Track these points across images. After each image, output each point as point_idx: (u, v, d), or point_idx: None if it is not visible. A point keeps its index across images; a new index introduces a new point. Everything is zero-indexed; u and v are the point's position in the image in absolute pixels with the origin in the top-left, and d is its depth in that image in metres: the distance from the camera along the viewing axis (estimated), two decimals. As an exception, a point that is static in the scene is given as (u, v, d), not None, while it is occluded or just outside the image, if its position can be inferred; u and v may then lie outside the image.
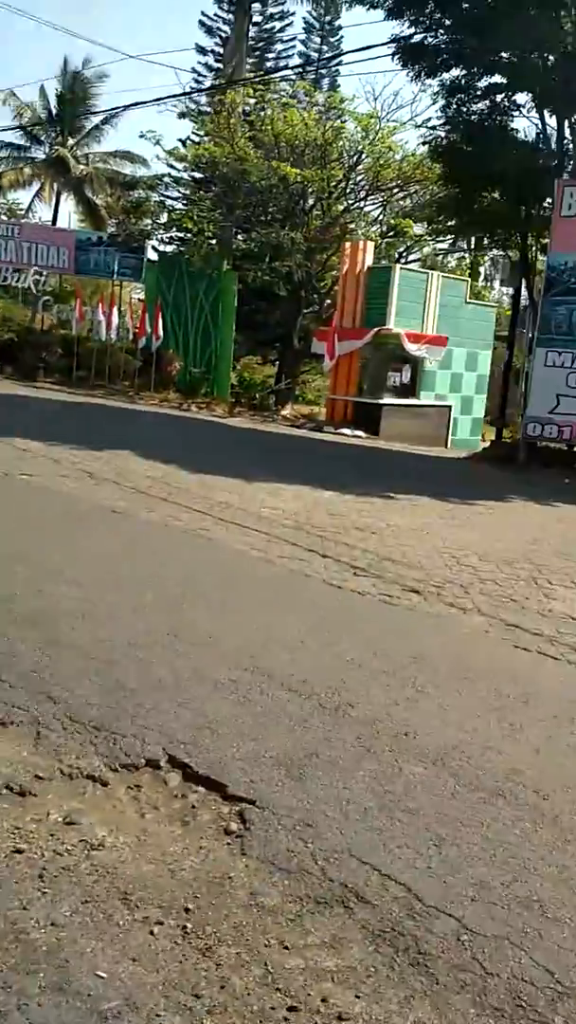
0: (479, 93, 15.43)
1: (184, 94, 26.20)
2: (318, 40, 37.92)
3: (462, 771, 3.26)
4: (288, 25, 36.73)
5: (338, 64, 34.48)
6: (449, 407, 20.39)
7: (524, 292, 17.74)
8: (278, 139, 22.17)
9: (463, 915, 2.42)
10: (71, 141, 37.33)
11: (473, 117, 15.56)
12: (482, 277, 30.41)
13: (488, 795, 3.09)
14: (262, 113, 23.68)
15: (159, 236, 26.84)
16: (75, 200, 37.15)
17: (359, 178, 23.61)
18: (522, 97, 15.31)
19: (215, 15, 34.29)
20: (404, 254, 25.55)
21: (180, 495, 8.38)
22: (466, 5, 14.23)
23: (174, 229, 26.08)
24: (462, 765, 3.31)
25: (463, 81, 15.29)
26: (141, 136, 34.79)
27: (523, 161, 14.21)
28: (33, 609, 4.63)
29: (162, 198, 25.79)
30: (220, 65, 31.66)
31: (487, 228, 18.14)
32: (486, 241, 21.82)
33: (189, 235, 24.05)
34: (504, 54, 14.46)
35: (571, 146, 14.89)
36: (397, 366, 19.16)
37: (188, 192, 25.49)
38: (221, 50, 32.60)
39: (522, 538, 7.89)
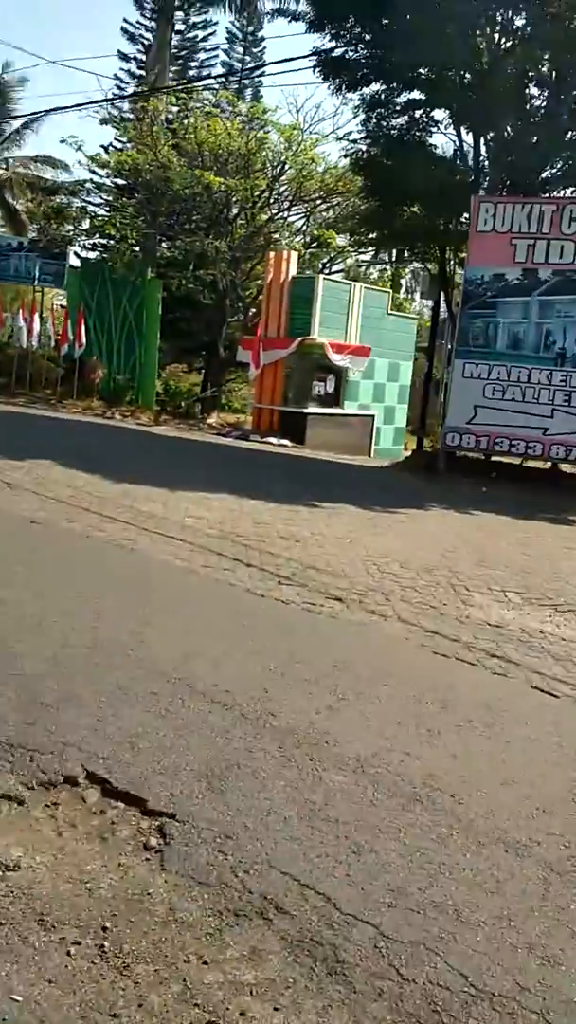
0: (399, 108, 15.74)
1: (106, 100, 26.00)
2: (241, 50, 38.12)
3: (381, 778, 3.30)
4: (211, 34, 37.03)
5: (261, 75, 34.78)
6: (372, 416, 20.68)
7: (443, 304, 18.15)
8: (201, 148, 22.19)
9: (380, 922, 2.45)
10: (-10, 145, 36.53)
11: (393, 132, 15.86)
12: (403, 289, 30.99)
13: (406, 801, 3.14)
14: (185, 121, 23.68)
15: (81, 242, 26.57)
16: (-6, 205, 36.35)
17: (282, 188, 23.82)
18: (440, 113, 15.72)
19: (137, 22, 34.14)
20: (328, 265, 25.87)
21: (103, 505, 8.28)
22: (386, 21, 14.48)
23: (97, 235, 25.82)
24: (381, 772, 3.35)
25: (383, 96, 15.56)
26: (62, 141, 34.42)
27: (441, 176, 14.54)
28: (-53, 624, 4.51)
29: (84, 204, 25.52)
30: (143, 72, 31.51)
31: (407, 241, 18.50)
32: (406, 254, 22.28)
33: (112, 242, 23.85)
34: (422, 70, 14.78)
35: (487, 163, 15.30)
36: (322, 376, 19.34)
37: (111, 199, 25.25)
38: (144, 57, 32.45)
39: (442, 546, 8.05)
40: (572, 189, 15.33)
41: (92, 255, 26.63)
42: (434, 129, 15.87)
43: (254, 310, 23.70)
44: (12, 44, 43.13)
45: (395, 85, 15.37)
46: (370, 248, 23.91)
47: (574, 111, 14.32)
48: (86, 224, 25.48)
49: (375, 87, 15.50)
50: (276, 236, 24.66)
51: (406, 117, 15.78)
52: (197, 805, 2.97)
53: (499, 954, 2.36)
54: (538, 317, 12.84)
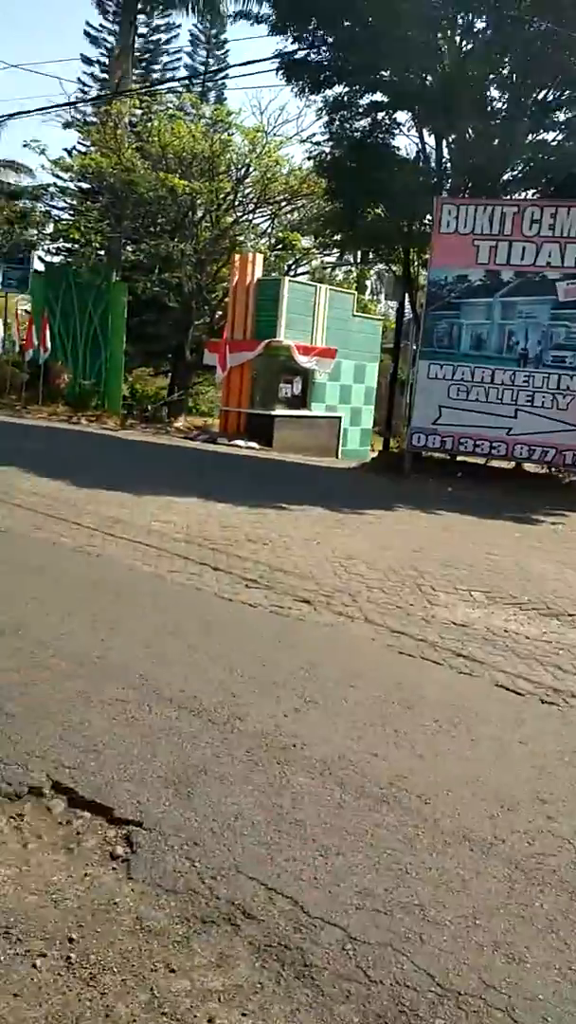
0: (361, 110, 15.80)
1: (69, 104, 25.85)
2: (204, 53, 37.98)
3: (348, 780, 3.32)
4: (174, 37, 36.83)
5: (224, 77, 34.68)
6: (339, 418, 20.73)
7: (408, 306, 18.26)
8: (165, 150, 22.12)
9: (348, 924, 2.46)
10: (-49, 148, 36.17)
11: (356, 134, 15.92)
12: (368, 291, 31.13)
13: (373, 803, 3.16)
14: (149, 124, 23.59)
15: (45, 247, 26.36)
16: (-44, 208, 35.95)
17: (247, 191, 23.82)
18: (403, 115, 15.79)
19: (100, 25, 33.88)
20: (293, 267, 25.90)
21: (69, 511, 8.21)
22: (348, 23, 14.54)
23: (61, 240, 25.63)
24: (348, 774, 3.36)
25: (346, 98, 15.61)
26: (25, 145, 34.07)
27: (404, 178, 14.61)
28: None
29: (48, 208, 25.31)
30: (106, 75, 31.32)
31: (371, 243, 18.57)
32: (371, 255, 22.35)
33: (76, 246, 23.68)
34: (384, 73, 14.85)
35: (449, 165, 15.41)
36: (288, 378, 19.36)
37: (75, 203, 25.08)
38: (107, 60, 32.25)
39: (408, 546, 8.09)
40: (533, 191, 15.49)
41: (56, 259, 26.48)
42: (397, 131, 15.97)
43: (220, 313, 23.66)
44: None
45: (358, 87, 15.43)
46: (335, 250, 23.99)
47: (534, 114, 14.48)
48: (50, 228, 25.32)
49: (338, 89, 15.56)
50: (241, 238, 24.66)
51: (369, 119, 15.85)
52: (164, 812, 2.96)
53: (465, 953, 2.38)
54: (501, 318, 12.97)
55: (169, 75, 34.93)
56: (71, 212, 24.99)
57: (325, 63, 15.30)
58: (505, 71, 14.45)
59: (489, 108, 14.69)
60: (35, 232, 25.08)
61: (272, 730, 3.71)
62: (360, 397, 21.44)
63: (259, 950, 2.35)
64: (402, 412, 17.61)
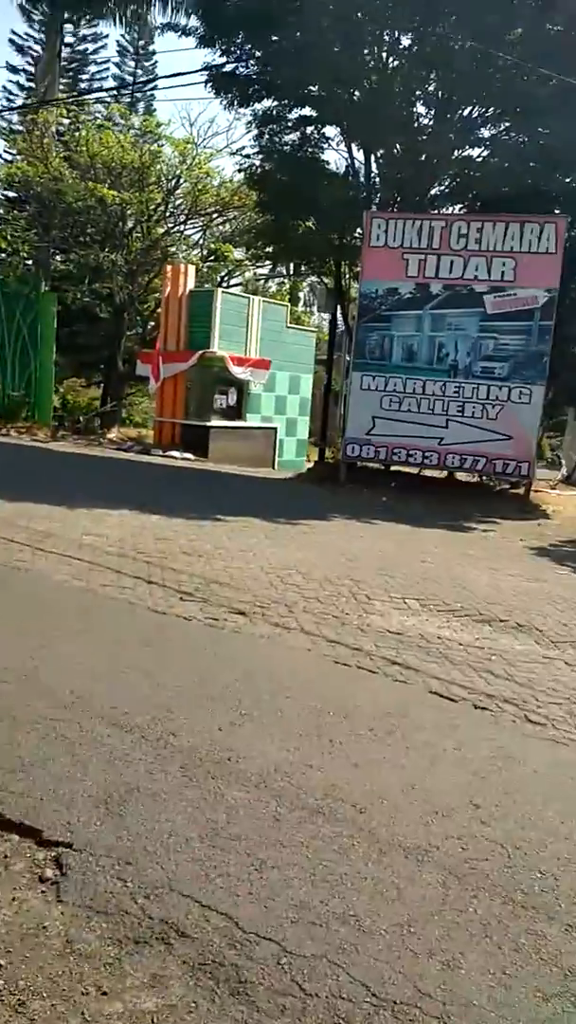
0: (291, 124, 15.92)
1: (-6, 111, 25.39)
2: (132, 64, 37.90)
3: (284, 792, 3.29)
4: (102, 47, 36.72)
5: (153, 88, 34.71)
6: (275, 429, 20.78)
7: (340, 318, 18.43)
8: (94, 160, 21.95)
9: (283, 938, 2.44)
10: None
11: (286, 147, 16.04)
12: (301, 302, 31.34)
13: (308, 814, 3.14)
14: (77, 134, 23.38)
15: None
16: None
17: (178, 202, 23.79)
18: (331, 130, 15.97)
19: (26, 34, 33.56)
20: (226, 278, 25.93)
21: (-3, 525, 8.03)
22: (275, 38, 14.65)
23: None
24: (284, 786, 3.34)
25: (275, 111, 15.72)
26: (-52, 152, 33.31)
27: (334, 192, 14.77)
28: None
29: (-28, 217, 24.82)
30: (32, 84, 30.94)
31: (303, 255, 18.70)
32: (303, 268, 22.51)
33: (3, 255, 23.27)
34: (312, 87, 15.00)
35: (378, 179, 15.63)
36: (223, 389, 19.33)
37: (1, 211, 24.65)
38: (33, 69, 31.88)
39: (343, 556, 8.13)
40: (460, 206, 15.82)
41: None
42: (326, 145, 16.15)
43: (153, 323, 23.54)
44: None
45: (286, 101, 15.55)
46: (267, 262, 24.09)
47: (460, 130, 14.80)
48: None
49: (267, 103, 15.65)
50: (173, 249, 24.60)
51: (298, 133, 15.99)
52: (95, 832, 2.90)
53: (400, 962, 2.38)
54: (431, 330, 13.20)
55: (97, 85, 34.78)
56: (-3, 221, 24.56)
57: (253, 76, 15.38)
58: (431, 88, 14.73)
59: (416, 124, 14.95)
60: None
61: (207, 744, 3.67)
62: (295, 408, 21.54)
63: (193, 968, 2.31)
64: (337, 423, 17.76)
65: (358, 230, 14.56)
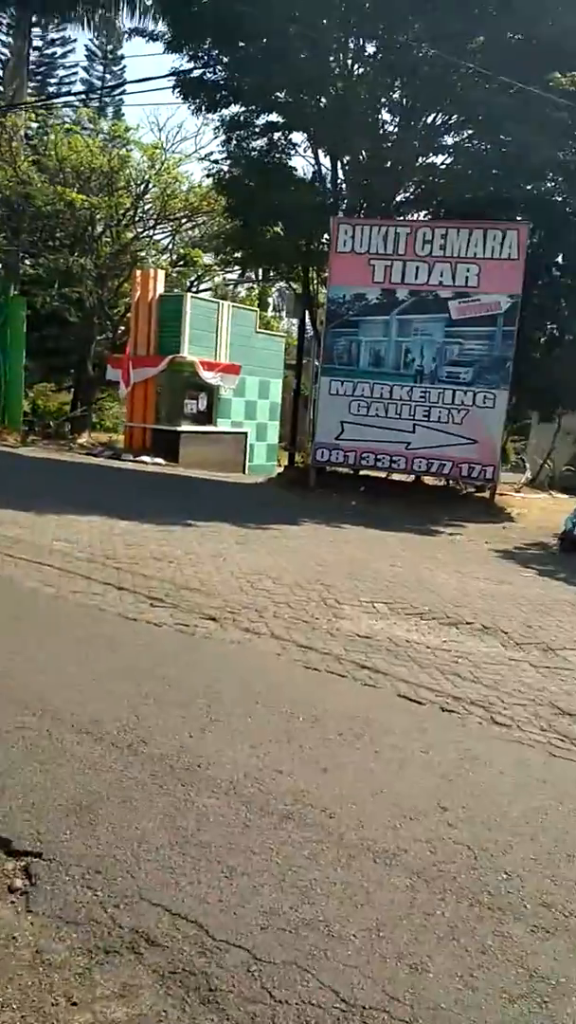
0: (258, 130, 15.96)
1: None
2: (101, 68, 37.79)
3: (253, 798, 3.31)
4: (70, 51, 36.55)
5: (122, 93, 34.69)
6: (245, 434, 20.78)
7: (308, 323, 18.49)
8: (63, 164, 21.84)
9: (253, 945, 2.45)
10: None
11: (253, 153, 16.08)
12: (271, 308, 31.40)
13: (278, 820, 3.16)
14: (45, 138, 23.25)
15: None
16: None
17: (147, 207, 23.72)
18: (298, 136, 16.07)
19: (-8, 37, 33.28)
20: (195, 283, 25.90)
21: (-36, 533, 7.96)
22: (242, 44, 14.70)
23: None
24: (253, 792, 3.36)
25: (242, 117, 15.76)
26: None
27: (302, 198, 14.82)
28: None
29: None
30: (0, 88, 30.70)
31: (271, 261, 18.75)
32: (272, 273, 22.55)
33: (-29, 259, 23.08)
34: (279, 94, 15.05)
35: (344, 185, 15.72)
36: (193, 393, 19.31)
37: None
38: (0, 73, 31.62)
39: (313, 560, 8.17)
40: (425, 212, 15.96)
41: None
42: (293, 151, 16.23)
43: (123, 328, 23.42)
44: None
45: (254, 107, 15.59)
46: (236, 267, 24.12)
47: (424, 137, 14.94)
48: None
49: (234, 108, 15.70)
50: (143, 254, 24.52)
51: (266, 139, 16.03)
52: (65, 842, 2.90)
53: (369, 966, 2.40)
54: (397, 335, 13.30)
55: (66, 89, 34.62)
56: (-35, 225, 24.32)
57: (221, 82, 15.41)
58: (396, 95, 14.86)
59: (381, 130, 15.08)
60: None
61: (177, 751, 3.67)
62: (265, 413, 21.57)
63: (163, 977, 2.32)
64: (306, 428, 17.80)
65: (325, 236, 14.64)
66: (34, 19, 27.63)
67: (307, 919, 2.59)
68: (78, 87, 35.69)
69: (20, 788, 3.22)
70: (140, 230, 24.16)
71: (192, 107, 15.76)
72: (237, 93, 15.27)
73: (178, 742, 3.77)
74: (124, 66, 37.83)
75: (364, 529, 10.58)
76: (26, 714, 3.91)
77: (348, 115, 13.90)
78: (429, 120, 14.96)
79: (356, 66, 14.79)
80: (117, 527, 8.99)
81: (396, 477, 14.78)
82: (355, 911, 2.65)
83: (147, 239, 24.68)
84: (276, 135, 15.89)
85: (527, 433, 23.74)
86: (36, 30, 30.20)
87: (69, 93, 33.35)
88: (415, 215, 15.91)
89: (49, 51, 34.89)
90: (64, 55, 35.36)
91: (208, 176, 18.55)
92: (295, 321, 24.49)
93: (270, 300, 31.27)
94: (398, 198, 15.49)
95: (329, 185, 15.73)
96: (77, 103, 27.73)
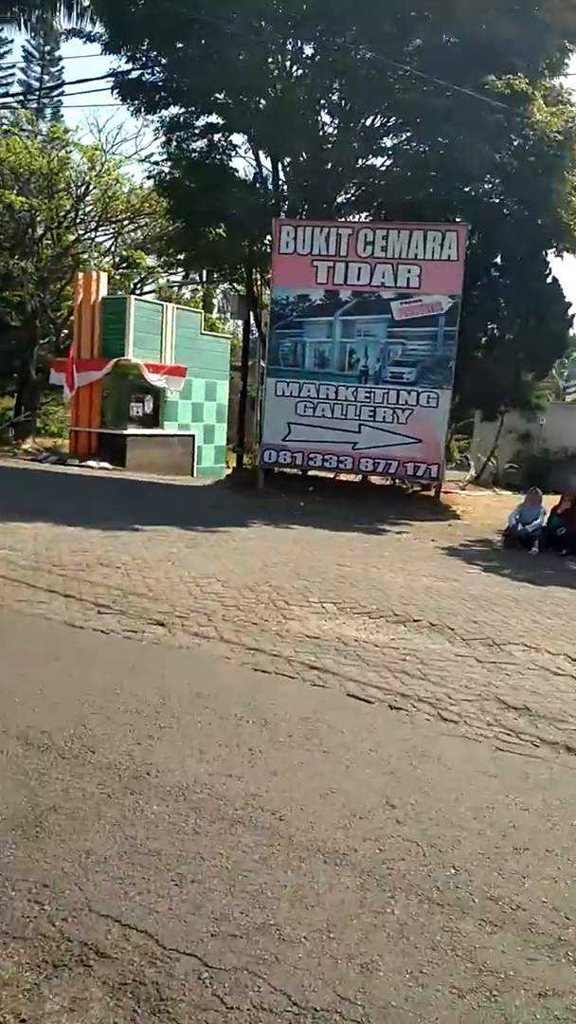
0: (198, 131, 15.93)
1: None
2: (39, 69, 37.22)
3: (204, 804, 3.30)
4: (7, 52, 35.85)
5: (60, 94, 34.03)
6: (193, 436, 20.72)
7: (253, 324, 18.50)
8: (1, 166, 21.49)
9: (204, 952, 2.44)
10: None
11: (194, 154, 16.03)
12: (216, 309, 31.31)
13: (229, 825, 3.15)
14: (-19, 139, 22.87)
15: None
16: None
17: (88, 209, 23.51)
18: (239, 138, 16.06)
19: None
20: (139, 285, 25.73)
21: None
22: (180, 45, 14.65)
23: None
24: (204, 798, 3.35)
25: (182, 119, 15.71)
26: None
27: (244, 199, 14.83)
28: None
29: None
30: None
31: (214, 262, 18.71)
32: (215, 275, 22.48)
33: None
34: (219, 95, 15.04)
35: (286, 187, 15.76)
36: (139, 396, 19.18)
37: None
38: None
39: (262, 562, 8.17)
40: (366, 214, 16.09)
41: None
42: (234, 153, 16.23)
43: (66, 331, 23.17)
44: None
45: (193, 108, 15.55)
46: (179, 269, 24.01)
47: (363, 139, 15.05)
48: None
49: (174, 110, 15.65)
50: (85, 256, 24.28)
51: (206, 140, 16.01)
52: (10, 856, 2.85)
53: (320, 968, 2.41)
54: (341, 336, 13.40)
55: (2, 90, 34.01)
56: None
57: (160, 83, 15.34)
58: (334, 97, 14.97)
59: (321, 132, 15.16)
60: None
61: (125, 760, 3.64)
62: (212, 415, 21.52)
63: (113, 989, 2.29)
64: (254, 429, 17.81)
65: (268, 237, 14.67)
66: (-32, 19, 27.09)
67: (258, 923, 2.58)
68: (15, 88, 35.13)
69: (-36, 803, 3.16)
70: (82, 232, 23.93)
71: (131, 108, 15.65)
72: (176, 94, 15.21)
73: (126, 750, 3.74)
74: (62, 67, 37.30)
75: (312, 529, 10.62)
76: (-30, 727, 3.84)
77: (287, 117, 13.95)
78: (368, 122, 15.09)
79: (295, 68, 14.85)
80: (63, 533, 8.88)
81: (344, 477, 14.88)
82: (305, 913, 2.65)
83: (89, 241, 24.47)
84: (216, 136, 15.88)
85: (471, 431, 24.10)
86: (-30, 30, 29.55)
87: (6, 94, 32.80)
88: (356, 216, 16.05)
89: (-16, 52, 34.27)
90: (1, 56, 34.75)
91: (149, 178, 18.51)
92: (240, 323, 24.46)
93: (215, 302, 31.20)
94: (339, 199, 15.59)
95: (271, 187, 15.77)
96: (14, 104, 27.27)
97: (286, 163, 15.52)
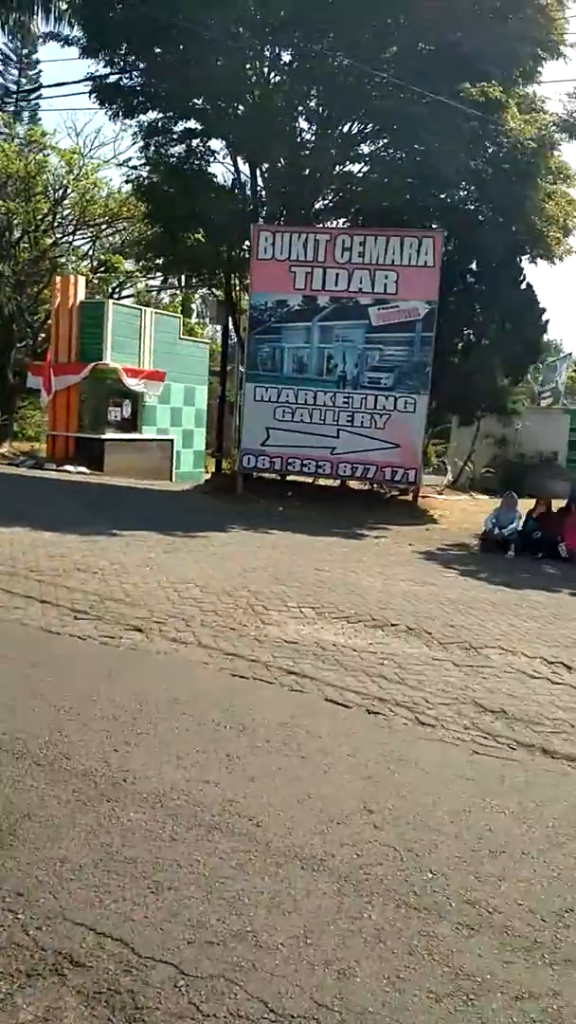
0: (176, 136, 15.93)
1: None
2: (16, 72, 37.01)
3: (180, 811, 3.28)
4: (-16, 55, 35.57)
5: (38, 97, 33.86)
6: (171, 441, 20.67)
7: (232, 329, 18.51)
8: (-23, 169, 21.40)
9: (180, 960, 2.43)
10: None
11: (172, 159, 16.02)
12: (195, 314, 31.30)
13: (205, 831, 3.14)
14: (-42, 142, 22.74)
15: None
16: None
17: (66, 212, 23.43)
18: (217, 143, 16.06)
19: None
20: (117, 289, 25.66)
21: None
22: (159, 50, 14.64)
23: None
24: (180, 804, 3.33)
25: (160, 124, 15.70)
26: None
27: (222, 205, 14.84)
28: None
29: None
30: None
31: (193, 267, 18.72)
32: (194, 280, 22.47)
33: None
34: (197, 100, 15.05)
35: (264, 192, 15.79)
36: (117, 401, 19.10)
37: None
38: None
39: (240, 567, 8.15)
40: (343, 220, 16.15)
41: None
42: (212, 158, 16.24)
43: (43, 335, 23.04)
44: None
45: (171, 113, 15.55)
46: (158, 273, 23.97)
47: (341, 146, 15.12)
48: None
49: (152, 114, 15.64)
50: (63, 260, 24.18)
51: (184, 145, 16.00)
52: (-16, 865, 2.82)
53: (297, 975, 2.40)
54: (320, 342, 13.43)
55: (-22, 92, 33.75)
56: None
57: (138, 88, 15.32)
58: (312, 103, 15.01)
59: (299, 139, 15.22)
60: None
61: (102, 767, 3.61)
62: (191, 419, 21.48)
63: (88, 998, 2.27)
64: (233, 434, 17.81)
65: (246, 242, 14.69)
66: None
67: (234, 930, 2.57)
68: (-8, 90, 34.86)
69: None
70: (59, 236, 23.85)
71: (109, 112, 15.63)
72: (154, 99, 15.20)
73: (103, 757, 3.71)
74: (40, 70, 37.14)
75: (291, 534, 10.62)
76: (-56, 735, 3.80)
77: (265, 122, 13.98)
78: (346, 129, 15.16)
79: (273, 74, 14.90)
80: (40, 539, 8.82)
81: (322, 482, 14.90)
82: (283, 919, 2.64)
83: (67, 245, 24.37)
84: (195, 142, 15.88)
85: (448, 436, 24.23)
86: (-53, 33, 29.38)
87: (-18, 97, 32.55)
88: (334, 222, 16.11)
89: (-39, 55, 34.02)
90: (-24, 58, 34.51)
91: (127, 182, 18.40)
92: (219, 327, 24.45)
93: (193, 307, 31.18)
94: (317, 205, 15.66)
95: (249, 192, 15.79)
96: (-9, 107, 27.13)
97: (264, 169, 15.55)
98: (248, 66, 14.43)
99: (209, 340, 26.13)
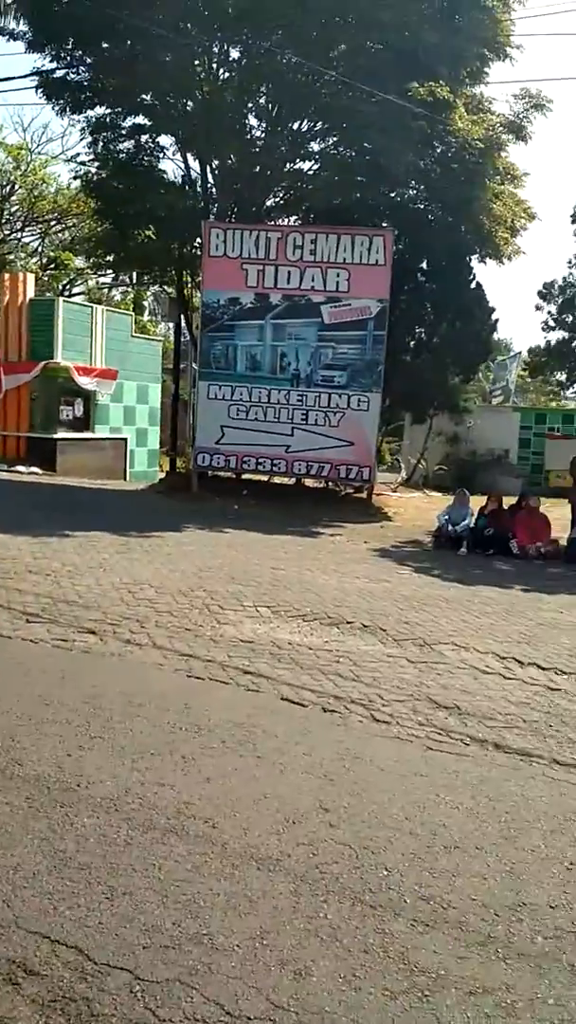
0: (125, 132, 15.80)
1: None
2: (-40, 64, 36.37)
3: (135, 814, 3.26)
4: None
5: (-17, 91, 33.32)
6: (125, 440, 20.51)
7: (185, 327, 18.42)
8: None
9: (136, 966, 2.41)
10: None
11: (121, 155, 15.89)
12: (147, 312, 31.07)
13: (160, 834, 3.12)
14: None
15: None
16: None
17: (14, 209, 23.11)
18: (166, 139, 15.97)
19: None
20: (68, 287, 25.36)
21: None
22: (106, 45, 14.50)
23: None
24: (135, 808, 3.31)
25: (108, 119, 15.56)
26: None
27: (173, 201, 14.75)
28: None
29: None
30: None
31: (144, 265, 18.59)
32: (145, 277, 22.31)
33: None
34: (145, 96, 14.93)
35: (215, 189, 15.73)
36: (69, 400, 18.90)
37: None
38: None
39: (196, 566, 8.12)
40: (295, 217, 16.17)
41: None
42: (162, 155, 16.14)
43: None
44: None
45: (119, 109, 15.42)
46: (109, 271, 23.76)
47: (291, 143, 15.13)
48: None
49: (100, 110, 15.49)
50: (11, 257, 23.84)
51: (133, 141, 15.88)
52: None
53: (253, 976, 2.40)
54: (273, 340, 13.43)
55: None
56: None
57: (85, 83, 15.16)
58: (262, 100, 15.00)
59: (249, 136, 15.20)
60: None
61: (54, 771, 3.57)
62: (145, 418, 21.34)
63: (43, 1007, 2.25)
64: (187, 432, 17.73)
65: (198, 240, 14.62)
66: None
67: (190, 934, 2.56)
68: None
69: None
70: (7, 232, 23.51)
71: (56, 108, 15.44)
72: (102, 94, 15.06)
73: (55, 762, 3.67)
74: (-15, 63, 36.59)
75: (247, 533, 10.60)
76: None
77: (215, 119, 13.94)
78: (295, 126, 15.18)
79: (221, 70, 14.85)
80: (-11, 541, 8.68)
81: (277, 480, 14.90)
82: (239, 921, 2.64)
83: (15, 242, 24.01)
84: (144, 138, 15.77)
85: (401, 434, 24.42)
86: None
87: None
88: (285, 220, 16.12)
89: None
90: None
91: (76, 178, 18.20)
92: (171, 325, 24.31)
93: (145, 304, 30.95)
94: (268, 203, 15.66)
95: (200, 189, 15.72)
96: None
97: (215, 166, 15.50)
98: (196, 62, 14.37)
99: (162, 338, 25.97)
